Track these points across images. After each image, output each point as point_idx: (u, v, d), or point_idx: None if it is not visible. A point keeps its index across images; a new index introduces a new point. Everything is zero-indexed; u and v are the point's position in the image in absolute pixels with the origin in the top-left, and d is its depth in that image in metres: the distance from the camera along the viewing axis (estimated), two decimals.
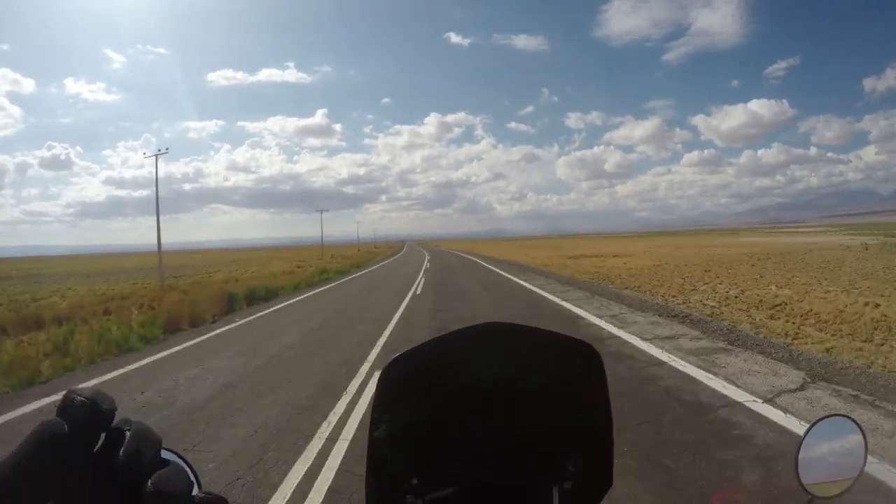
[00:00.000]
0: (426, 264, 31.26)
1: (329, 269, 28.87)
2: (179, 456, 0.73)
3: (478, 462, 0.84)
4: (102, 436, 0.45)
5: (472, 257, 40.36)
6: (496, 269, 23.97)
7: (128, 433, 0.45)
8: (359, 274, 27.61)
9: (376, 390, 0.81)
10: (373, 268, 33.50)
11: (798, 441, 0.91)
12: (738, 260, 23.65)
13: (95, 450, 0.44)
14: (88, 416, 0.43)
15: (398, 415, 0.82)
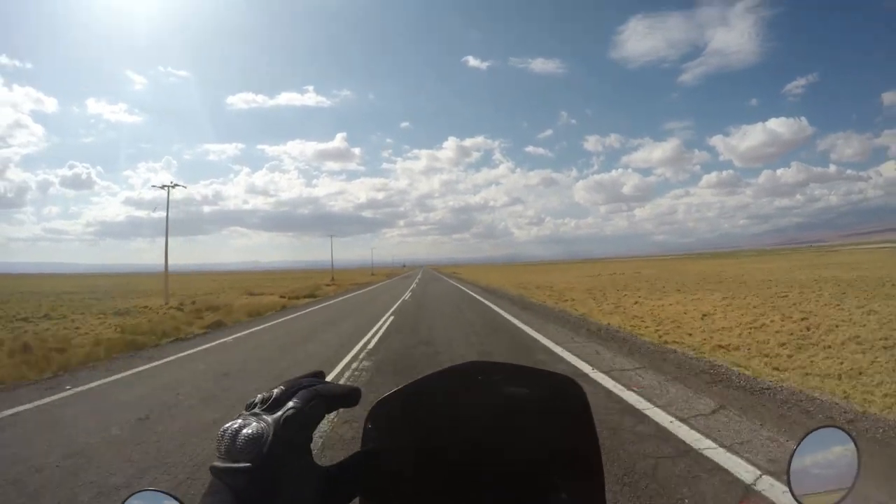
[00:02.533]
0: (413, 284, 43.92)
1: (319, 293, 34.52)
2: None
3: (469, 496, 0.85)
4: None
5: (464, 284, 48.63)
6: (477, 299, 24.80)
7: None
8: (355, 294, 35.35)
9: (364, 432, 0.83)
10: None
11: (790, 452, 0.92)
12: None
13: None
14: None
15: (386, 454, 0.83)
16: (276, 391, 0.53)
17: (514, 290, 29.07)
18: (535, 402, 0.87)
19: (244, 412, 0.51)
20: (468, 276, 68.82)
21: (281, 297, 29.66)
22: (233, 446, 0.46)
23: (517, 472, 0.85)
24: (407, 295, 28.29)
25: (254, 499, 0.44)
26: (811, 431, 0.93)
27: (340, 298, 29.82)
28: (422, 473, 0.84)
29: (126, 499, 0.79)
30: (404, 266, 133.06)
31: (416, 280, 55.08)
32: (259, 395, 0.52)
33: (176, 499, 0.75)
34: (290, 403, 0.50)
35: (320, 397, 0.53)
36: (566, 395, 0.87)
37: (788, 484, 0.91)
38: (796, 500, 0.90)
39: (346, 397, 0.58)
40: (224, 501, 0.45)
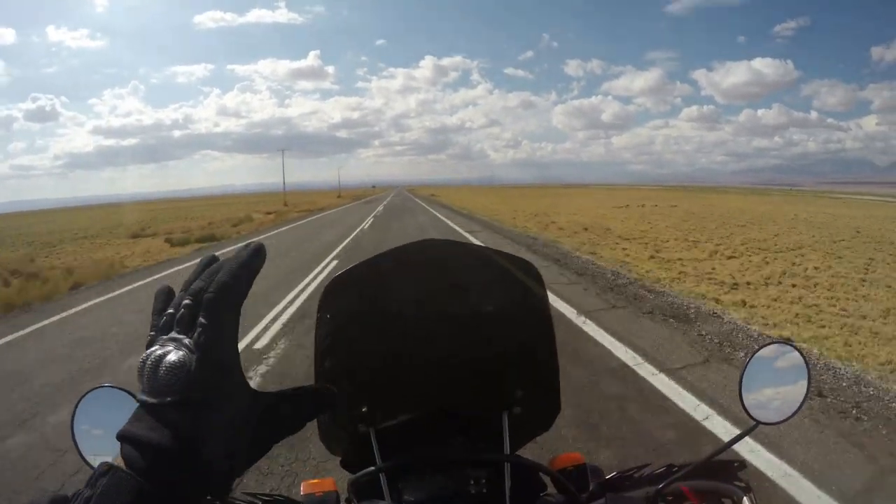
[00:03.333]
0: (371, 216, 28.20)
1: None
2: None
3: (427, 389, 0.84)
4: None
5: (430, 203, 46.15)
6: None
7: None
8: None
9: (318, 314, 0.80)
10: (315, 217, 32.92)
11: (741, 368, 0.93)
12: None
13: None
14: None
15: (342, 344, 0.81)
16: (182, 306, 0.42)
17: (567, 238, 14.14)
18: (493, 286, 0.84)
19: (159, 335, 0.42)
20: (452, 200, 49.02)
21: (166, 241, 18.65)
22: (155, 378, 0.40)
23: (474, 367, 0.83)
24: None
25: (188, 437, 0.39)
26: (760, 348, 0.94)
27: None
28: (378, 367, 0.82)
29: (84, 394, 0.80)
30: (374, 188, 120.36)
31: (382, 205, 40.09)
32: (167, 312, 0.43)
33: (132, 394, 0.74)
34: (202, 319, 0.41)
35: (230, 292, 0.42)
36: (523, 277, 0.85)
37: (741, 400, 0.92)
38: (749, 415, 0.92)
39: (250, 266, 0.44)
40: (153, 438, 0.41)
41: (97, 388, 0.81)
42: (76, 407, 0.81)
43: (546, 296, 0.85)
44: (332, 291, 0.80)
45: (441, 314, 0.82)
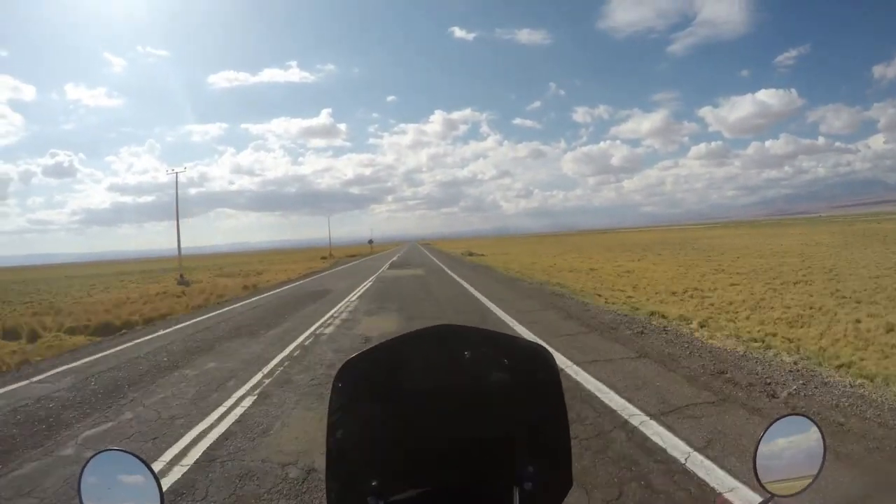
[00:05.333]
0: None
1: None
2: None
3: (438, 464, 0.86)
4: None
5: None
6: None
7: None
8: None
9: (332, 393, 0.84)
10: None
11: (756, 440, 0.92)
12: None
13: None
14: None
15: (355, 417, 0.85)
16: None
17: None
18: (506, 370, 0.88)
19: None
20: (483, 256, 38.07)
21: None
22: None
23: (484, 445, 0.86)
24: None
25: None
26: (776, 419, 0.94)
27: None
28: (390, 441, 0.86)
29: (92, 456, 0.82)
30: (371, 243, 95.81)
31: (372, 279, 21.29)
32: None
33: (139, 458, 0.79)
34: None
35: None
36: (537, 362, 0.88)
37: (755, 472, 0.91)
38: (762, 486, 0.91)
39: None
40: None
41: (105, 450, 0.84)
42: (83, 469, 0.83)
43: (559, 378, 0.89)
44: (349, 367, 0.84)
45: (453, 395, 0.86)
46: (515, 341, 0.90)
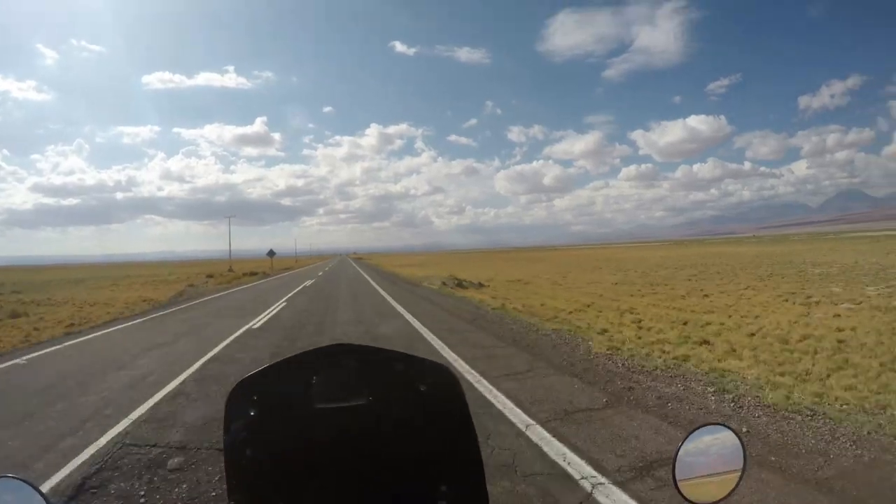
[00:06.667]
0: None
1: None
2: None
3: (346, 486, 0.82)
4: None
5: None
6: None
7: None
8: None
9: (225, 415, 0.79)
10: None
11: (675, 449, 0.92)
12: None
13: None
14: None
15: (253, 440, 0.79)
16: None
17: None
18: (413, 390, 0.84)
19: None
20: (410, 271, 37.79)
21: None
22: None
23: (397, 465, 0.83)
24: None
25: None
26: (696, 429, 0.95)
27: None
28: (298, 463, 0.81)
29: None
30: (270, 255, 51.31)
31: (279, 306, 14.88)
32: None
33: (33, 486, 0.77)
34: None
35: None
36: (440, 382, 0.86)
37: (674, 481, 0.92)
38: (682, 496, 0.91)
39: None
40: None
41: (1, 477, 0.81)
42: None
43: (464, 397, 0.86)
44: (243, 390, 0.80)
45: (356, 414, 0.82)
46: (420, 362, 0.87)
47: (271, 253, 49.91)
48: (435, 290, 19.31)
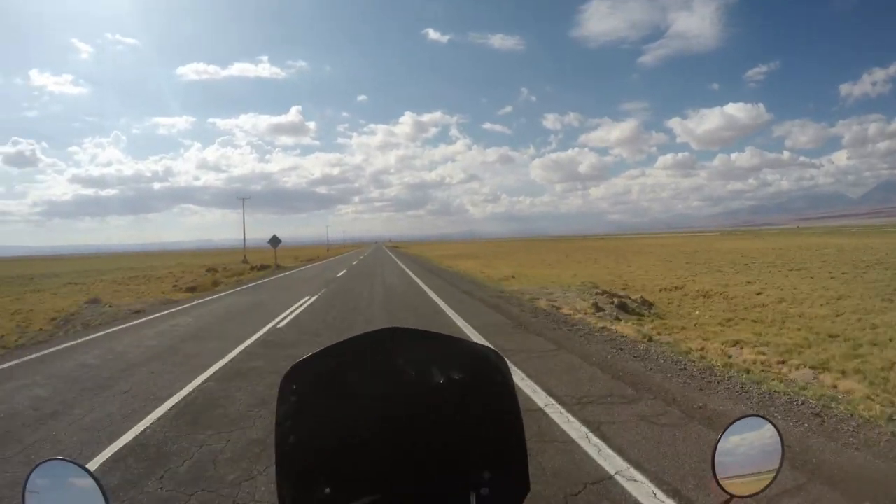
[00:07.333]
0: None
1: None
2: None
3: (392, 470, 0.85)
4: None
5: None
6: None
7: None
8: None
9: (279, 398, 0.82)
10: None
11: (714, 441, 0.93)
12: None
13: None
14: None
15: (303, 422, 0.82)
16: None
17: None
18: (459, 374, 0.86)
19: None
20: (470, 266, 28.19)
21: None
22: None
23: (439, 450, 0.85)
24: None
25: None
26: (734, 421, 0.95)
27: None
28: (342, 448, 0.83)
29: (35, 466, 0.80)
30: (273, 242, 36.81)
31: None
32: None
33: (82, 467, 0.77)
34: None
35: None
36: (489, 365, 0.87)
37: (713, 472, 0.92)
38: (721, 487, 0.92)
39: None
40: None
41: (49, 460, 0.81)
42: (26, 480, 0.82)
43: (512, 382, 0.88)
44: (298, 370, 0.82)
45: (406, 399, 0.85)
46: (468, 345, 0.89)
47: (275, 241, 36.93)
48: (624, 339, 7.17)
